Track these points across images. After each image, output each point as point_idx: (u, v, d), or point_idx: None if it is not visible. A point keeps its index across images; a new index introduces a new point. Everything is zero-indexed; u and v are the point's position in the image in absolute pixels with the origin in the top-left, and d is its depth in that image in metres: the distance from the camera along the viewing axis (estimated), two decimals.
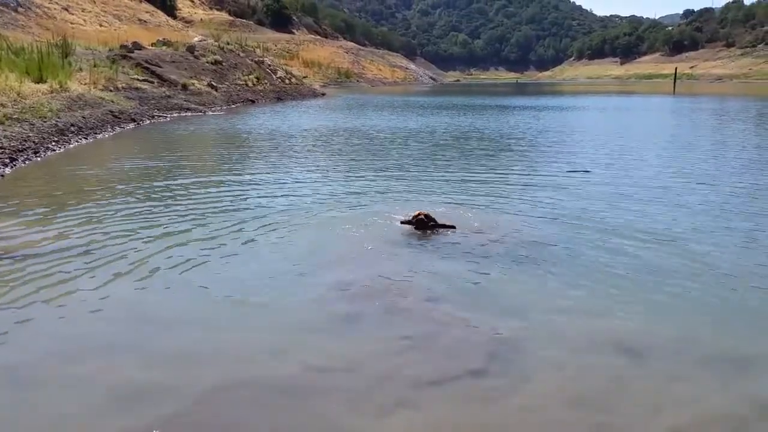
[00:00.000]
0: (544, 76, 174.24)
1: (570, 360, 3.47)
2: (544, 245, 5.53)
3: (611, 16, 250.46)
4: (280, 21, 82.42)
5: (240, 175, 9.38)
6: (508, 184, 8.59)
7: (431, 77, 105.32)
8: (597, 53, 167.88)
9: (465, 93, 52.44)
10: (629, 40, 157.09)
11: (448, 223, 5.93)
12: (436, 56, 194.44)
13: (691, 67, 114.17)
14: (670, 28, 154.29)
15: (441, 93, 51.59)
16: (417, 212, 5.92)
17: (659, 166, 10.43)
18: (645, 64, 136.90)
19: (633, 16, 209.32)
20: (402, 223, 5.94)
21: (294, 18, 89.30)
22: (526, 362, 3.44)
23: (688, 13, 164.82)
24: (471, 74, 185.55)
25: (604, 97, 45.05)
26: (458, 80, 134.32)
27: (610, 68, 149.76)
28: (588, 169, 9.78)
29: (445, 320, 3.96)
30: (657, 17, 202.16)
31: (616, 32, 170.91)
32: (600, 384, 3.23)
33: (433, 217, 5.89)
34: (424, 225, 5.82)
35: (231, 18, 70.70)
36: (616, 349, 3.59)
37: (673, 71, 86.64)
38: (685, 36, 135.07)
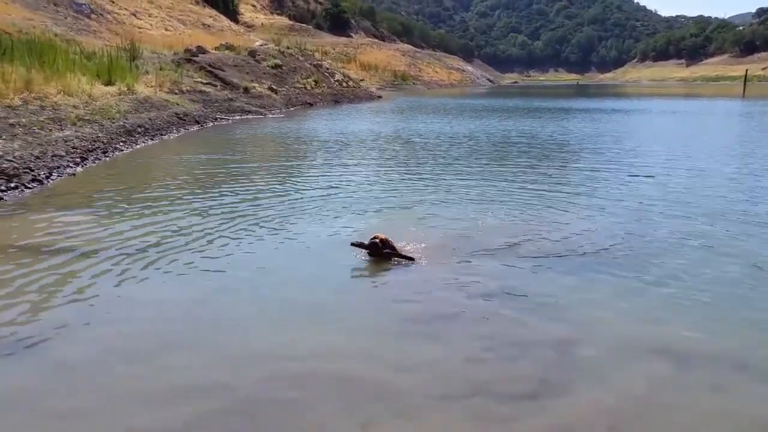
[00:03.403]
0: (606, 77, 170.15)
1: (613, 374, 3.38)
2: (602, 251, 5.41)
3: (677, 16, 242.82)
4: (339, 25, 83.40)
5: (303, 177, 9.57)
6: (568, 186, 8.45)
7: (488, 79, 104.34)
8: (661, 55, 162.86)
9: (523, 95, 51.70)
10: (696, 41, 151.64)
11: (407, 255, 5.07)
12: (493, 58, 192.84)
13: (764, 69, 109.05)
14: (741, 27, 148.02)
15: (497, 95, 51.01)
16: (374, 235, 5.03)
17: (726, 173, 9.99)
18: (712, 66, 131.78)
19: (700, 16, 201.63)
20: (353, 245, 5.02)
21: (352, 22, 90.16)
22: (570, 374, 3.38)
23: (762, 11, 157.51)
24: (529, 76, 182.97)
25: (669, 100, 43.59)
26: (516, 82, 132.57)
27: (674, 70, 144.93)
28: (651, 174, 9.49)
29: (494, 327, 3.93)
30: (726, 17, 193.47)
31: (681, 33, 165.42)
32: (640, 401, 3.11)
33: (391, 243, 5.01)
34: (378, 251, 4.95)
35: (291, 22, 72.01)
36: (665, 361, 3.49)
37: (743, 73, 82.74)
38: (758, 36, 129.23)
